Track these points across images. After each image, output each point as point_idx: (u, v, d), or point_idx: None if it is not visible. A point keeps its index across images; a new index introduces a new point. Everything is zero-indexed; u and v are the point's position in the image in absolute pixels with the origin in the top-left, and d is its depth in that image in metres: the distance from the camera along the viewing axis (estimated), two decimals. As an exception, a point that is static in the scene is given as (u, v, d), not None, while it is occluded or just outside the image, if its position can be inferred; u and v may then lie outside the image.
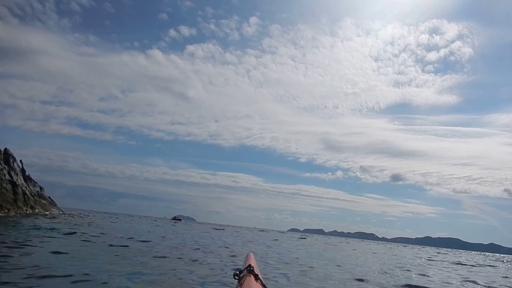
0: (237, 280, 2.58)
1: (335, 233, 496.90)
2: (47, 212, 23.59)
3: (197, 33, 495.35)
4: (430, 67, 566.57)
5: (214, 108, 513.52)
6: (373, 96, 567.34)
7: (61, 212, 26.53)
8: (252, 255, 3.14)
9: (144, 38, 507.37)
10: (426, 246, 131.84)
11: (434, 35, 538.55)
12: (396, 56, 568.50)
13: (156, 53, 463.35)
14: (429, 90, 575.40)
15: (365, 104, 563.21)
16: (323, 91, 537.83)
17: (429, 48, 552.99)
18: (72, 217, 26.56)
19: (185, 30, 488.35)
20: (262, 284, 2.46)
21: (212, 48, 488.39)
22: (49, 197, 27.05)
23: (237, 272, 2.64)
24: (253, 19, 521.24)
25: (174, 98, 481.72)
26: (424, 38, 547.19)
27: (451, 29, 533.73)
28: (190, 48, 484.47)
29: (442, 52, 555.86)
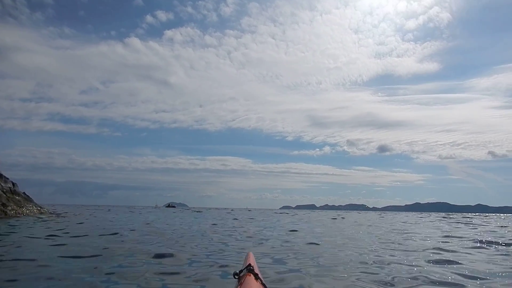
0: (237, 280, 2.62)
1: (326, 207, 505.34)
2: (22, 209, 22.14)
3: (174, 17, 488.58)
4: (409, 35, 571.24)
5: (197, 93, 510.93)
6: (355, 69, 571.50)
7: (38, 209, 24.87)
8: (251, 255, 3.17)
9: (121, 27, 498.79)
10: (415, 212, 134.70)
11: (412, 1, 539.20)
12: (375, 26, 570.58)
13: (134, 41, 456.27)
14: (410, 59, 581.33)
15: (348, 78, 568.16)
16: (306, 67, 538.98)
17: (408, 15, 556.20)
18: (56, 216, 23.11)
19: (162, 15, 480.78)
20: (262, 283, 2.48)
21: (191, 32, 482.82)
22: (23, 192, 25.47)
23: (237, 272, 2.68)
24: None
25: (157, 86, 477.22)
26: (402, 5, 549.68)
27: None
28: (169, 33, 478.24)
29: (421, 19, 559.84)
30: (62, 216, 22.52)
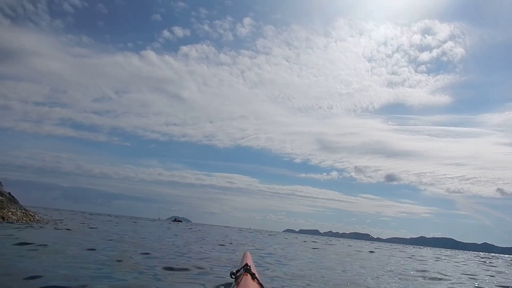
0: (234, 279, 2.64)
1: (330, 234, 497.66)
2: (2, 211, 19.17)
3: (191, 34, 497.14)
4: (423, 67, 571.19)
5: (208, 109, 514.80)
6: (367, 96, 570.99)
7: (23, 212, 21.41)
8: (249, 254, 3.22)
9: (138, 39, 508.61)
10: (420, 246, 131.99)
11: (426, 35, 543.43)
12: (389, 56, 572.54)
13: (150, 54, 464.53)
14: (422, 90, 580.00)
15: (359, 104, 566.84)
16: (317, 91, 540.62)
17: (422, 48, 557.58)
18: (42, 222, 20.26)
19: (179, 31, 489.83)
20: (259, 283, 2.52)
21: (206, 49, 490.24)
22: (9, 193, 22.77)
23: (234, 271, 2.70)
24: (246, 20, 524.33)
25: (169, 99, 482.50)
26: (417, 38, 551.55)
27: (443, 30, 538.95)
28: (184, 49, 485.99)
29: (435, 52, 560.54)
30: (51, 224, 19.95)
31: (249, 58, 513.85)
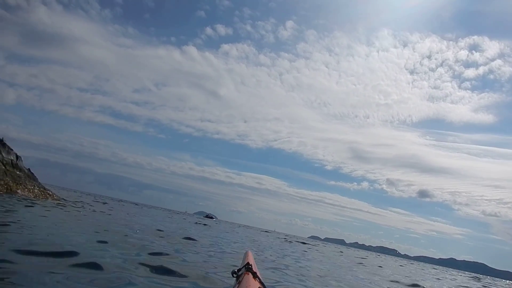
0: (235, 278, 2.66)
1: (356, 245, 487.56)
2: (19, 186, 18.26)
3: (233, 33, 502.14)
4: (467, 83, 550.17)
5: (244, 108, 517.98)
6: (405, 108, 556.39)
7: (41, 190, 20.30)
8: (250, 253, 3.23)
9: (181, 34, 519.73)
10: (449, 269, 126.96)
11: (474, 51, 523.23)
12: (432, 70, 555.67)
13: (192, 50, 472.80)
14: (465, 107, 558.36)
15: (397, 116, 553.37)
16: (355, 99, 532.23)
17: (468, 64, 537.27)
18: (61, 203, 18.81)
19: (221, 29, 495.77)
20: (260, 282, 2.50)
21: (246, 49, 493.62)
22: (28, 169, 21.71)
23: (235, 270, 2.72)
24: (289, 23, 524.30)
25: (206, 95, 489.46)
26: (463, 54, 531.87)
27: (492, 47, 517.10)
28: (225, 47, 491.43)
29: (481, 69, 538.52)
30: (71, 205, 18.72)
31: (289, 61, 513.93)
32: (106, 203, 37.49)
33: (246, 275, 2.55)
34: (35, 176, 22.53)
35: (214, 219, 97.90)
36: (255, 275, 2.56)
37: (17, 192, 18.05)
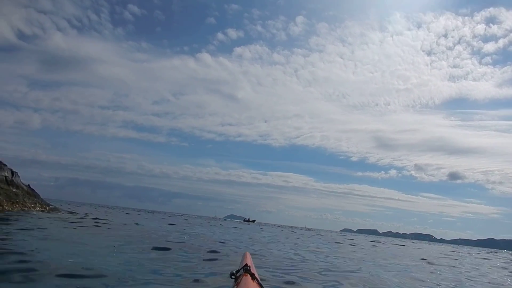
0: (233, 280, 2.61)
1: (389, 234, 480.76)
2: (16, 205, 16.88)
3: (244, 35, 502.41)
4: (488, 59, 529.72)
5: (263, 109, 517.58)
6: (426, 91, 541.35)
7: (43, 206, 18.86)
8: (248, 255, 3.20)
9: (193, 42, 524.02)
10: (490, 248, 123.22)
11: (491, 24, 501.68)
12: (450, 49, 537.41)
13: (205, 56, 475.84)
14: (488, 83, 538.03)
15: (418, 100, 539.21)
16: (374, 88, 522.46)
17: (486, 39, 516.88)
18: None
19: (233, 33, 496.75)
20: (259, 284, 2.49)
21: (259, 49, 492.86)
22: (28, 185, 20.00)
23: (234, 272, 2.69)
24: (299, 18, 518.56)
25: (224, 100, 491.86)
26: (481, 28, 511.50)
27: (510, 17, 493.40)
28: (238, 50, 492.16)
29: (501, 42, 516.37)
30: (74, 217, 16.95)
31: (303, 57, 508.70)
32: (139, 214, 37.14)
33: (244, 276, 2.53)
34: (36, 193, 21.05)
35: (255, 222, 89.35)
36: (253, 277, 2.54)
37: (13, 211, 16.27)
